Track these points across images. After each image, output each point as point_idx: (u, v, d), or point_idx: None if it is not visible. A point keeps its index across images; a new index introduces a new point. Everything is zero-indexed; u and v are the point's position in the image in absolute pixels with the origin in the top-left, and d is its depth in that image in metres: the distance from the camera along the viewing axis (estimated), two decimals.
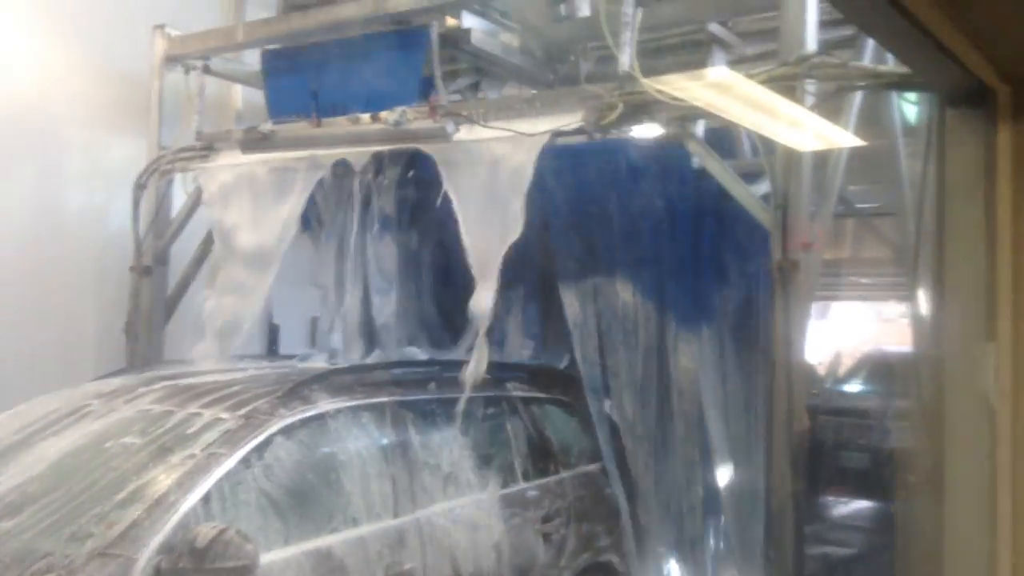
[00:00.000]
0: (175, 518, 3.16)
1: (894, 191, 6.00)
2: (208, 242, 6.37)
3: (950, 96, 2.94)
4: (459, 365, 4.78)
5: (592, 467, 5.28)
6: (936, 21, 2.09)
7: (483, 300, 4.86)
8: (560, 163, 5.48)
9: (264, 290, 5.76)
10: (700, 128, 5.10)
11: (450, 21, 5.63)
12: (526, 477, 4.78)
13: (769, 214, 4.58)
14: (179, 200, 6.74)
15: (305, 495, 3.66)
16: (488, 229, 4.95)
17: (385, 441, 4.09)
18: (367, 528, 3.80)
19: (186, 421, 3.71)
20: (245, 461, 3.49)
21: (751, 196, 4.71)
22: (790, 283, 4.52)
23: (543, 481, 4.87)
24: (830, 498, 8.34)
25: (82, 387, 4.51)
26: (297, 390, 3.91)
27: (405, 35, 5.57)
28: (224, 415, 3.69)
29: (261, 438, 3.58)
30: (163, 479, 3.32)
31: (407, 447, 4.14)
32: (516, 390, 5.04)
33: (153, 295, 6.71)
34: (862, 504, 8.39)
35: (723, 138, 5.38)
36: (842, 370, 10.88)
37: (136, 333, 6.66)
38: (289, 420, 3.73)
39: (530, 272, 5.93)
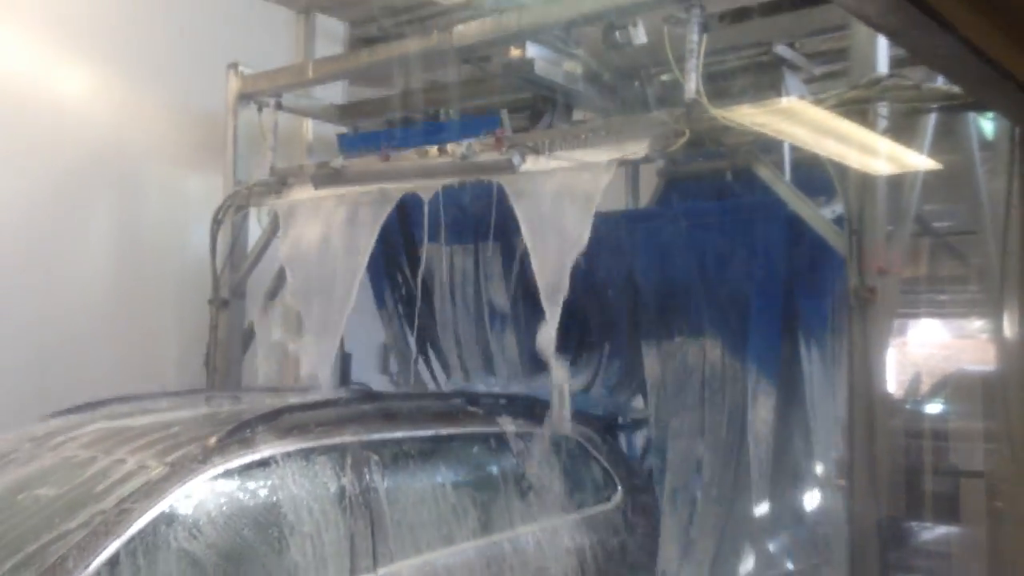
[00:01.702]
0: None
1: (973, 209, 5.82)
2: (283, 275, 6.50)
3: None
4: (447, 397, 4.58)
5: (607, 506, 4.71)
6: (1017, 63, 2.05)
7: (549, 333, 4.86)
8: (650, 225, 5.59)
9: (342, 322, 5.85)
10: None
11: (514, 51, 5.68)
12: (520, 522, 4.23)
13: (844, 240, 4.50)
14: (254, 234, 6.90)
15: (240, 556, 3.20)
16: (556, 260, 4.96)
17: (343, 489, 3.58)
18: None
19: (108, 470, 3.26)
20: (165, 517, 3.04)
21: (825, 222, 4.63)
22: (867, 310, 4.42)
23: (539, 526, 4.30)
24: (914, 524, 8.08)
25: (25, 428, 4.04)
26: (238, 432, 3.43)
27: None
28: (150, 462, 3.24)
29: (185, 489, 3.13)
30: (64, 540, 2.85)
31: (370, 495, 3.63)
32: (511, 425, 4.53)
33: (231, 327, 6.87)
34: (949, 530, 8.11)
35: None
36: (923, 390, 10.57)
37: (215, 365, 6.83)
38: (223, 467, 3.27)
39: (618, 330, 5.97)
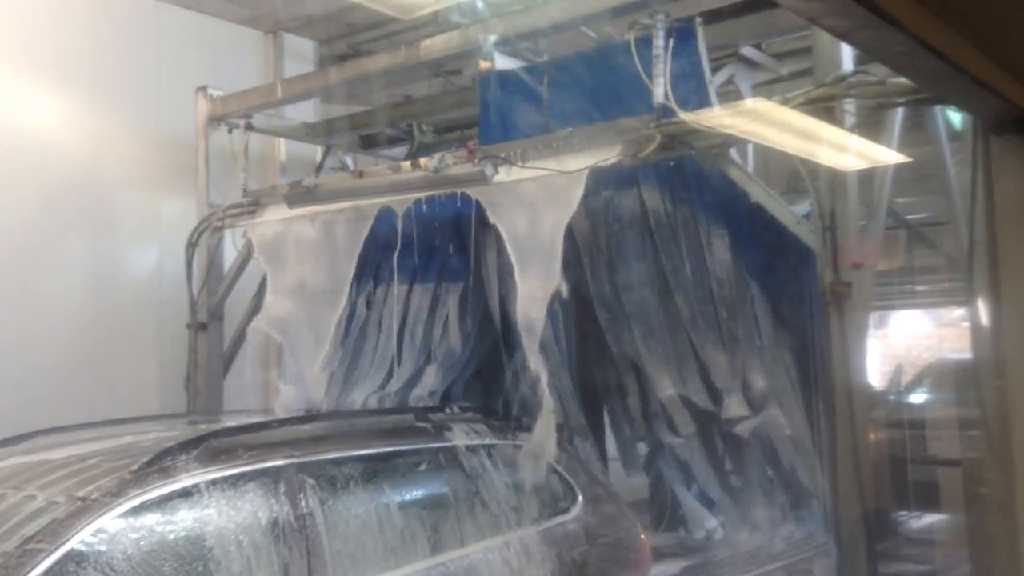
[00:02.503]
0: None
1: (944, 200, 5.88)
2: (261, 295, 6.49)
3: (994, 124, 2.90)
4: (395, 412, 4.38)
5: (566, 518, 4.43)
6: (971, 58, 2.07)
7: (533, 343, 4.88)
8: None
9: (329, 335, 5.85)
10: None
11: (483, 64, 5.70)
12: (473, 540, 3.97)
13: (817, 236, 4.53)
14: (230, 256, 6.88)
15: None
16: (534, 268, 4.98)
17: (276, 517, 3.35)
18: None
19: (17, 507, 3.03)
20: (74, 556, 2.80)
21: (797, 219, 4.66)
22: (843, 304, 4.45)
23: (493, 542, 4.03)
24: (902, 513, 8.13)
25: None
26: (157, 461, 3.19)
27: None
28: (60, 498, 3.01)
29: (96, 525, 2.90)
30: None
31: (306, 522, 3.41)
32: (463, 438, 4.27)
33: (210, 350, 6.84)
34: (935, 518, 8.16)
35: None
36: (905, 381, 10.64)
37: (196, 388, 6.80)
38: (139, 500, 3.04)
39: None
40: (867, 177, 4.84)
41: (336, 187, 5.76)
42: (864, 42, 2.18)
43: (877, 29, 1.94)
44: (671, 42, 4.72)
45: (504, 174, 5.11)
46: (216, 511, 3.20)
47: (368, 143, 7.87)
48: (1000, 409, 3.49)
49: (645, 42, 4.75)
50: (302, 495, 3.45)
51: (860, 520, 4.47)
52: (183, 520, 3.15)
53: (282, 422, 3.88)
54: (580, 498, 4.51)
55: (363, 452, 3.83)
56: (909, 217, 7.42)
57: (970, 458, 6.17)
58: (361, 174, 5.67)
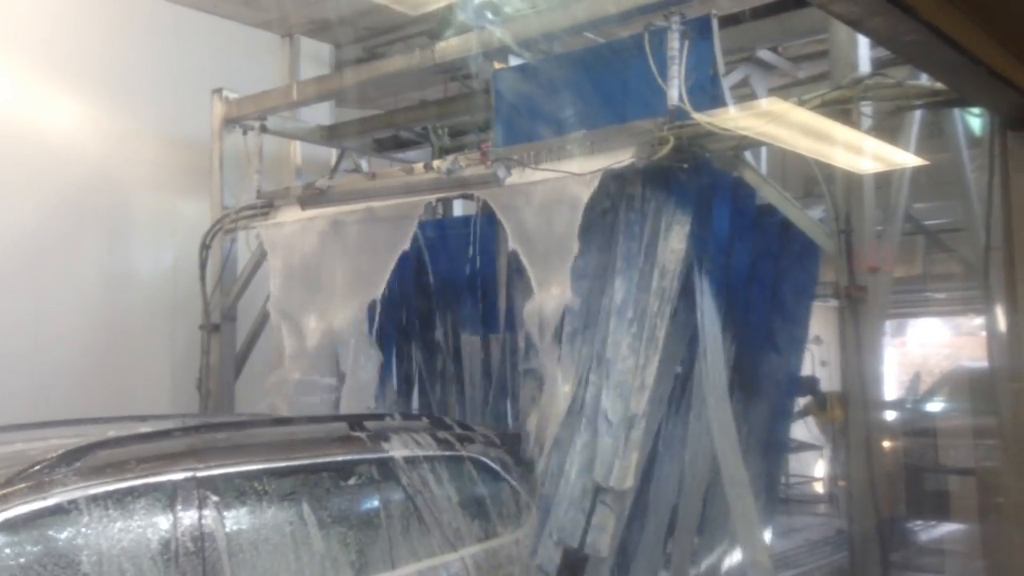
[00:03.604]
0: None
1: (962, 205, 5.82)
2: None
3: (1011, 119, 2.84)
4: (326, 420, 4.15)
5: (519, 533, 4.16)
6: (988, 50, 2.03)
7: (549, 349, 4.85)
8: None
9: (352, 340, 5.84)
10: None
11: (497, 66, 5.69)
12: (406, 562, 3.63)
13: (833, 240, 4.48)
14: (243, 258, 6.89)
15: None
16: (546, 270, 4.96)
17: (169, 538, 2.99)
18: None
19: None
20: None
21: (813, 223, 4.61)
22: (859, 309, 4.40)
23: (430, 563, 3.69)
24: (917, 522, 8.05)
25: None
26: (28, 474, 2.85)
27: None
28: None
29: None
30: None
31: (205, 543, 3.05)
32: (403, 449, 3.92)
33: (223, 351, 6.85)
34: (950, 527, 8.08)
35: None
36: (923, 389, 10.55)
37: (208, 388, 6.80)
38: (1, 518, 2.71)
39: None
40: (884, 181, 4.79)
41: (349, 189, 5.76)
42: (876, 30, 2.13)
43: (889, 16, 1.89)
44: (686, 44, 4.69)
45: (517, 176, 5.09)
46: (96, 531, 2.84)
47: (383, 146, 7.88)
48: (1017, 417, 3.43)
49: (659, 42, 4.71)
50: (202, 513, 3.09)
51: (874, 528, 4.41)
52: (54, 541, 2.78)
53: (188, 430, 3.51)
54: (534, 511, 4.25)
55: (280, 464, 3.46)
56: (927, 222, 7.34)
57: (986, 467, 6.10)
58: (374, 176, 5.66)
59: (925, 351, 14.96)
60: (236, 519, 3.19)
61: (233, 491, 3.24)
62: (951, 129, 5.67)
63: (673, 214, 4.93)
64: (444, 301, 6.41)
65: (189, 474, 3.14)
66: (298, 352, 6.05)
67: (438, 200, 5.83)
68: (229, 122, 6.94)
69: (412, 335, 6.59)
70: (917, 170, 5.04)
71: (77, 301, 6.70)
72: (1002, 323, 3.70)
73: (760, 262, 5.17)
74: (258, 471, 3.36)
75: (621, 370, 4.80)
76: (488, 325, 6.03)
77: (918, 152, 4.86)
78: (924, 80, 4.49)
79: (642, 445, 4.68)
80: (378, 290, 5.74)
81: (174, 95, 7.26)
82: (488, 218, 5.75)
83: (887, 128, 4.52)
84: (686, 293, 4.86)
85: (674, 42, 4.67)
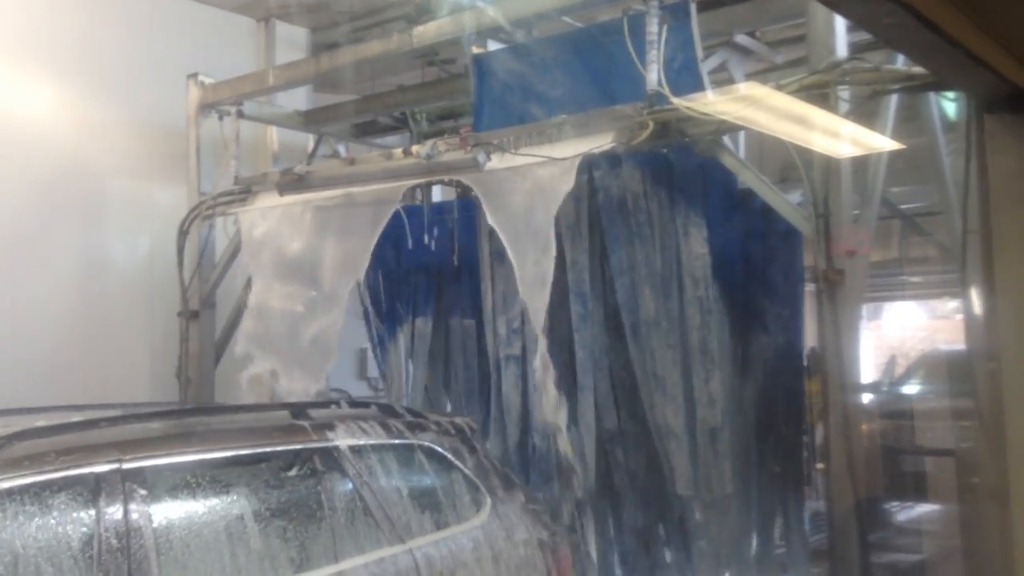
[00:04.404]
0: None
1: (938, 189, 5.87)
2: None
3: (987, 102, 2.87)
4: (268, 409, 4.02)
5: (471, 524, 3.96)
6: (965, 32, 2.04)
7: (537, 324, 4.87)
8: None
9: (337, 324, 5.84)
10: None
11: (476, 51, 5.66)
12: (350, 555, 3.46)
13: (810, 224, 4.51)
14: (221, 244, 6.84)
15: None
16: (533, 255, 4.97)
17: (91, 535, 2.82)
18: None
19: None
20: None
21: (791, 206, 4.64)
22: (836, 292, 4.44)
23: (374, 556, 3.51)
24: (894, 503, 8.16)
25: None
26: None
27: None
28: None
29: None
30: None
31: (131, 539, 2.88)
32: (349, 437, 3.75)
33: (202, 338, 6.80)
34: (927, 508, 8.19)
35: None
36: (898, 371, 10.67)
37: (188, 376, 6.76)
38: None
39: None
40: (861, 165, 4.82)
41: (328, 175, 5.73)
42: (854, 12, 2.14)
43: None
44: (664, 28, 4.69)
45: (497, 161, 5.08)
46: (11, 529, 2.68)
47: (361, 131, 7.84)
48: (994, 398, 3.47)
49: (637, 25, 4.71)
50: (128, 508, 2.92)
51: (852, 509, 4.46)
52: None
53: (116, 419, 3.32)
54: (489, 502, 4.07)
55: (215, 455, 3.28)
56: (903, 207, 7.41)
57: (963, 448, 6.18)
58: (353, 161, 5.64)
59: (901, 334, 15.11)
60: (165, 514, 3.03)
61: (163, 484, 3.07)
62: (927, 113, 5.71)
63: (686, 215, 5.04)
64: (432, 286, 6.43)
65: (114, 466, 2.96)
66: (274, 341, 6.03)
67: (417, 185, 5.80)
68: (205, 107, 6.88)
69: (402, 319, 6.60)
70: (892, 154, 5.08)
71: (54, 289, 6.62)
72: (979, 305, 3.75)
73: (748, 243, 5.22)
74: (190, 462, 3.19)
75: (672, 383, 4.97)
76: (475, 310, 6.05)
77: (894, 136, 4.89)
78: (901, 65, 4.54)
79: (729, 454, 4.90)
80: (359, 274, 5.73)
81: (149, 80, 7.17)
82: (468, 202, 5.76)
83: (863, 112, 4.54)
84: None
85: (652, 26, 4.66)
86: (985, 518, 4.94)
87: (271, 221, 6.14)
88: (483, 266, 5.90)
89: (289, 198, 5.95)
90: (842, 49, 4.50)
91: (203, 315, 6.81)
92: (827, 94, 4.33)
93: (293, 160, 7.32)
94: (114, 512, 2.88)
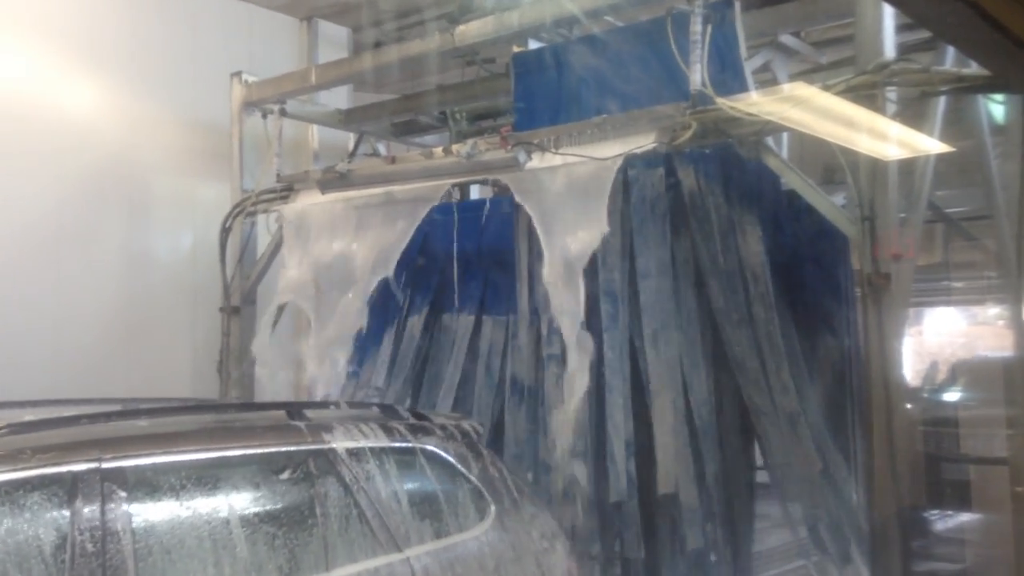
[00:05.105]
0: None
1: (985, 193, 5.78)
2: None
3: None
4: (263, 408, 3.92)
5: (473, 533, 3.78)
6: (1017, 20, 1.98)
7: (575, 327, 4.85)
8: None
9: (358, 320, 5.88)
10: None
11: (517, 50, 5.66)
12: (342, 564, 3.31)
13: (856, 227, 4.44)
14: (263, 241, 6.91)
15: None
16: (568, 256, 4.95)
17: (65, 537, 2.69)
18: None
19: None
20: None
21: (836, 209, 4.57)
22: (882, 297, 4.37)
23: (368, 565, 3.37)
24: (935, 512, 8.05)
25: None
26: None
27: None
28: None
29: None
30: None
31: (108, 542, 2.74)
32: (347, 440, 3.58)
33: (243, 333, 6.88)
34: (969, 516, 8.06)
35: None
36: (940, 378, 10.51)
37: (228, 371, 6.84)
38: None
39: None
40: (907, 168, 4.75)
41: (369, 173, 5.76)
42: (916, 10, 2.09)
43: None
44: (708, 28, 4.65)
45: (537, 160, 5.07)
46: None
47: (401, 130, 7.87)
48: None
49: (681, 25, 4.68)
50: (106, 509, 2.77)
51: (895, 517, 4.40)
52: None
53: (99, 416, 3.18)
54: (493, 510, 3.89)
55: (202, 455, 3.12)
56: (949, 211, 7.30)
57: (1007, 457, 6.07)
58: (393, 160, 5.66)
59: (941, 340, 14.87)
60: (146, 516, 2.87)
61: (144, 485, 2.91)
62: (974, 116, 5.61)
63: (741, 214, 5.04)
64: (462, 283, 6.42)
65: (92, 465, 2.82)
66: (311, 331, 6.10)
67: (455, 185, 5.81)
68: (248, 105, 6.95)
69: (428, 315, 6.59)
70: (938, 158, 5.00)
71: (97, 282, 6.73)
72: None
73: (805, 244, 5.20)
74: (175, 463, 3.02)
75: (753, 369, 5.01)
76: (511, 307, 6.02)
77: (940, 139, 4.82)
78: (950, 66, 4.47)
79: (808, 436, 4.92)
80: (389, 270, 5.76)
81: (193, 78, 7.27)
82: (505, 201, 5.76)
83: (910, 115, 4.48)
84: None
85: (696, 26, 4.63)
86: None
87: (312, 218, 6.19)
88: (520, 265, 5.88)
89: (330, 196, 5.99)
90: (890, 50, 4.43)
91: (244, 311, 6.88)
92: (874, 95, 4.27)
93: (333, 158, 7.37)
94: (90, 513, 2.75)
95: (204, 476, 3.07)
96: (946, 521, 8.10)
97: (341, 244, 6.05)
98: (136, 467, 2.91)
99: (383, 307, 6.42)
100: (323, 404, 4.15)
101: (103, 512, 2.76)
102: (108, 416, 3.22)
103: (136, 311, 6.93)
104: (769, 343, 4.99)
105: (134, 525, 2.80)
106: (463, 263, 6.12)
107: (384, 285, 5.91)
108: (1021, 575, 4.34)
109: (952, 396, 9.62)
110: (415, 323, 6.40)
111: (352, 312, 5.91)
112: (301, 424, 3.50)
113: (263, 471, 3.28)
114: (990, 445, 7.52)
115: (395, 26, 8.21)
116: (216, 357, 6.91)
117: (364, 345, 6.42)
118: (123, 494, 2.83)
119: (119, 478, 2.84)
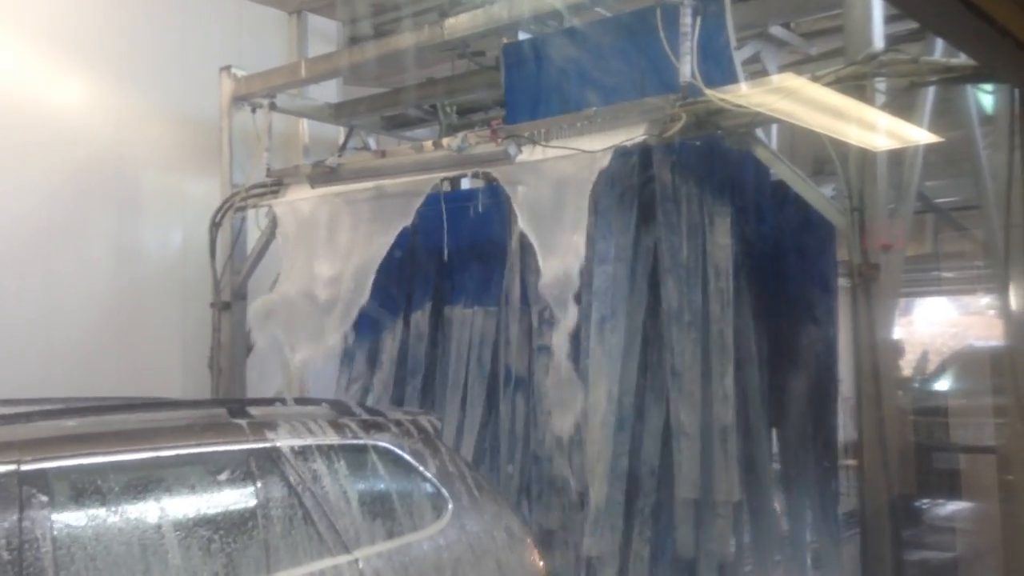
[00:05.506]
0: None
1: (975, 183, 5.79)
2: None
3: None
4: (202, 405, 3.80)
5: (428, 532, 3.65)
6: (1015, 21, 2.00)
7: (567, 323, 4.85)
8: None
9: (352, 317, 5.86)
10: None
11: (507, 43, 5.65)
12: (285, 567, 3.17)
13: (845, 217, 4.46)
14: (253, 236, 6.89)
15: None
16: (559, 250, 4.95)
17: None
18: None
19: None
20: None
21: (825, 200, 4.59)
22: (871, 287, 4.39)
23: (318, 566, 3.24)
24: (926, 501, 8.10)
25: None
26: None
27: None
28: None
29: None
30: None
31: (25, 552, 2.57)
32: (292, 438, 3.43)
33: (233, 329, 6.86)
34: (960, 505, 8.11)
35: None
36: (930, 368, 10.56)
37: (219, 367, 6.83)
38: None
39: None
40: (896, 158, 4.76)
41: (359, 167, 5.75)
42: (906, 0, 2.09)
43: None
44: (698, 19, 4.65)
45: (527, 153, 5.07)
46: None
47: (391, 124, 7.85)
48: None
49: (671, 16, 4.67)
50: (24, 515, 2.61)
51: (885, 506, 4.42)
52: None
53: (21, 416, 3.00)
54: (451, 508, 3.78)
55: (132, 456, 2.95)
56: (938, 201, 7.32)
57: (999, 446, 6.11)
58: (383, 154, 5.65)
59: (932, 330, 14.94)
60: (69, 523, 2.69)
61: (68, 489, 2.74)
62: (963, 106, 5.63)
63: (712, 204, 4.94)
64: (450, 273, 6.42)
65: (11, 467, 2.65)
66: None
67: (445, 178, 5.80)
68: (238, 100, 6.93)
69: (418, 308, 6.59)
70: (927, 147, 5.02)
71: (87, 277, 6.71)
72: (1019, 301, 3.69)
73: (787, 235, 5.18)
74: (102, 464, 2.85)
75: (690, 379, 4.83)
76: (495, 298, 6.03)
77: (929, 130, 4.83)
78: (939, 56, 4.47)
79: (739, 457, 4.77)
80: (376, 262, 5.75)
81: (182, 73, 7.24)
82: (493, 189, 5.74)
83: (899, 105, 4.49)
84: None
85: (686, 17, 4.63)
86: (1021, 516, 4.88)
87: (302, 213, 6.17)
88: (511, 257, 5.88)
89: (320, 190, 5.98)
90: (879, 40, 4.43)
91: (235, 306, 6.86)
92: (863, 86, 4.28)
93: (323, 152, 7.35)
94: (8, 519, 2.57)
95: (134, 479, 2.92)
96: (937, 509, 8.15)
97: (333, 240, 6.03)
98: (59, 469, 2.75)
99: (377, 303, 6.42)
100: (268, 401, 4.05)
101: (20, 518, 2.60)
102: (31, 416, 3.03)
103: (126, 307, 6.91)
104: (720, 343, 4.86)
105: (55, 532, 2.64)
106: (457, 255, 6.11)
107: (379, 281, 5.89)
108: (1010, 561, 4.36)
109: (943, 385, 9.67)
110: (420, 318, 6.39)
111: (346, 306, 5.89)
112: (242, 422, 3.35)
113: (199, 472, 3.12)
114: (980, 434, 7.56)
115: (385, 20, 8.18)
116: (206, 352, 6.88)
117: (360, 342, 6.44)
118: (44, 498, 2.66)
119: (39, 482, 2.68)
